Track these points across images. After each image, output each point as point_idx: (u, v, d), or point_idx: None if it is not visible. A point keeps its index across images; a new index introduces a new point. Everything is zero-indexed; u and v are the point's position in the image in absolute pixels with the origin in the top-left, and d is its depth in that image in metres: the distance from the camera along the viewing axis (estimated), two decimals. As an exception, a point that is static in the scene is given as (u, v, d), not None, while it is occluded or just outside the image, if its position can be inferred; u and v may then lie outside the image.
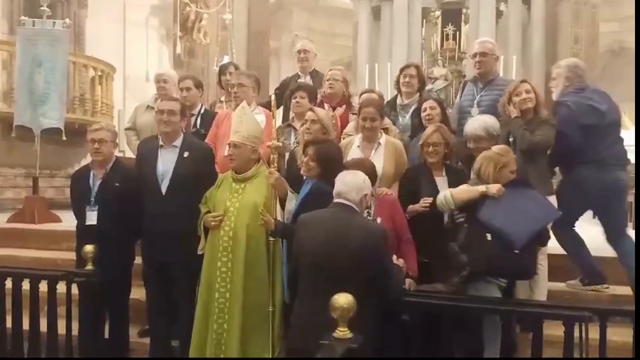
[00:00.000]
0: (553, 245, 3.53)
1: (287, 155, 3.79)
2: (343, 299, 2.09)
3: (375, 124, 3.48)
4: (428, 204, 3.19)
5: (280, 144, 3.45)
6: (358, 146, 3.52)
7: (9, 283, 3.35)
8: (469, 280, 2.88)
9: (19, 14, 7.94)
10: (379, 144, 3.51)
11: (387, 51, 10.99)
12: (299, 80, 4.85)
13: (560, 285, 3.83)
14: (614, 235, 3.73)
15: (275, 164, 3.23)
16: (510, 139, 3.53)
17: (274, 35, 15.19)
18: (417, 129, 3.91)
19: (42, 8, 6.31)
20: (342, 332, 2.09)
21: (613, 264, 3.76)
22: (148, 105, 4.65)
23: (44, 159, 6.28)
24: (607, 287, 3.75)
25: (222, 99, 4.95)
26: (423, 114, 3.80)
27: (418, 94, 4.27)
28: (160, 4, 11.21)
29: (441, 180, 3.35)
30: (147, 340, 3.59)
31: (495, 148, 3.12)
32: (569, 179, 3.74)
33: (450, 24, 10.91)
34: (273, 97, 3.55)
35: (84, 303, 3.16)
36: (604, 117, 3.68)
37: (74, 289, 3.21)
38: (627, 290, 3.63)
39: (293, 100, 4.06)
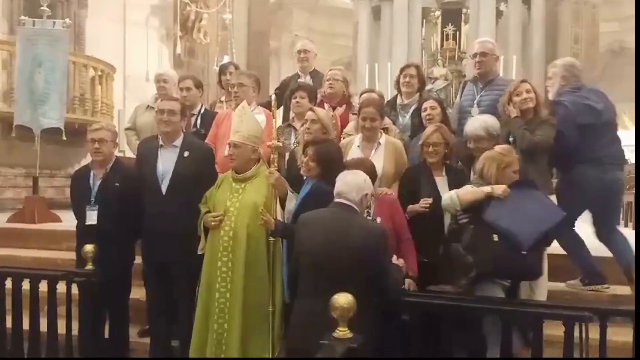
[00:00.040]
0: (553, 245, 3.53)
1: (287, 155, 3.79)
2: (343, 299, 2.09)
3: (375, 124, 3.48)
4: (428, 204, 3.19)
5: (281, 144, 3.45)
6: (358, 146, 3.52)
7: (9, 283, 3.35)
8: (476, 282, 2.88)
9: (19, 14, 7.94)
10: (379, 143, 3.51)
11: (387, 51, 11.00)
12: (299, 80, 4.84)
13: (560, 285, 3.83)
14: (606, 231, 3.76)
15: (276, 164, 3.23)
16: (510, 139, 3.53)
17: (274, 35, 15.20)
18: (417, 129, 3.91)
19: (42, 8, 6.32)
20: (342, 332, 2.08)
21: (613, 264, 3.76)
22: (148, 105, 4.65)
23: (44, 159, 6.27)
24: (607, 287, 3.75)
25: (222, 98, 4.95)
26: (423, 114, 3.80)
27: (418, 93, 4.28)
28: (160, 3, 11.22)
29: (441, 180, 3.35)
30: (147, 340, 3.58)
31: (498, 148, 3.12)
32: (568, 179, 3.74)
33: (450, 24, 10.93)
34: (273, 97, 3.54)
35: (84, 303, 3.16)
36: (601, 116, 3.69)
37: (74, 289, 3.21)
38: (627, 290, 3.64)
39: (293, 100, 4.06)
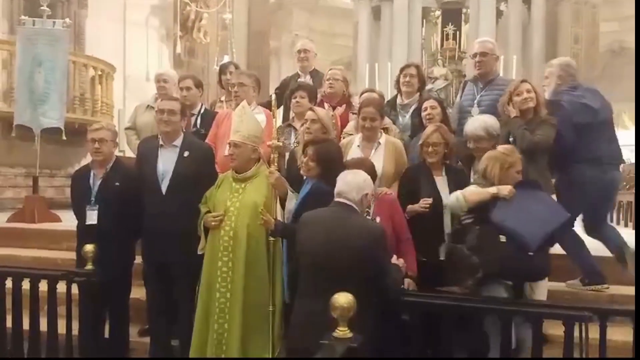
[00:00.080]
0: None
1: (287, 155, 3.79)
2: (343, 299, 2.09)
3: (375, 124, 3.47)
4: (428, 204, 3.18)
5: (281, 144, 3.45)
6: (358, 146, 3.52)
7: (9, 283, 3.35)
8: (483, 283, 2.87)
9: (19, 14, 7.95)
10: (379, 143, 3.50)
11: (387, 51, 11.01)
12: (299, 79, 4.84)
13: (560, 285, 3.83)
14: (596, 224, 3.81)
15: (276, 164, 3.23)
16: (510, 139, 3.53)
17: (274, 35, 15.20)
18: (417, 129, 3.91)
19: (42, 8, 6.32)
20: (342, 331, 2.08)
21: (613, 264, 3.76)
22: (148, 105, 4.65)
23: (44, 159, 6.27)
24: (607, 287, 3.75)
25: (223, 98, 4.95)
26: (423, 114, 3.80)
27: (418, 93, 4.28)
28: (160, 3, 11.21)
29: (441, 180, 3.34)
30: (147, 339, 3.58)
31: (501, 148, 3.11)
32: (567, 179, 3.74)
33: (450, 24, 10.93)
34: (273, 96, 3.53)
35: (84, 303, 3.16)
36: (597, 115, 3.70)
37: (74, 289, 3.21)
38: (627, 290, 3.63)
39: (293, 100, 4.06)
